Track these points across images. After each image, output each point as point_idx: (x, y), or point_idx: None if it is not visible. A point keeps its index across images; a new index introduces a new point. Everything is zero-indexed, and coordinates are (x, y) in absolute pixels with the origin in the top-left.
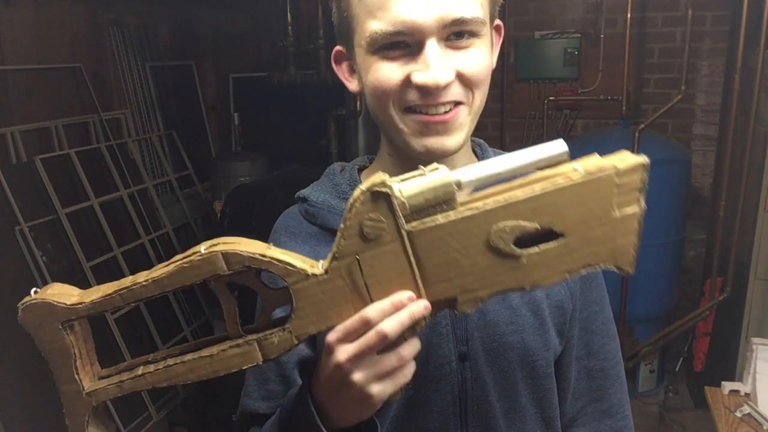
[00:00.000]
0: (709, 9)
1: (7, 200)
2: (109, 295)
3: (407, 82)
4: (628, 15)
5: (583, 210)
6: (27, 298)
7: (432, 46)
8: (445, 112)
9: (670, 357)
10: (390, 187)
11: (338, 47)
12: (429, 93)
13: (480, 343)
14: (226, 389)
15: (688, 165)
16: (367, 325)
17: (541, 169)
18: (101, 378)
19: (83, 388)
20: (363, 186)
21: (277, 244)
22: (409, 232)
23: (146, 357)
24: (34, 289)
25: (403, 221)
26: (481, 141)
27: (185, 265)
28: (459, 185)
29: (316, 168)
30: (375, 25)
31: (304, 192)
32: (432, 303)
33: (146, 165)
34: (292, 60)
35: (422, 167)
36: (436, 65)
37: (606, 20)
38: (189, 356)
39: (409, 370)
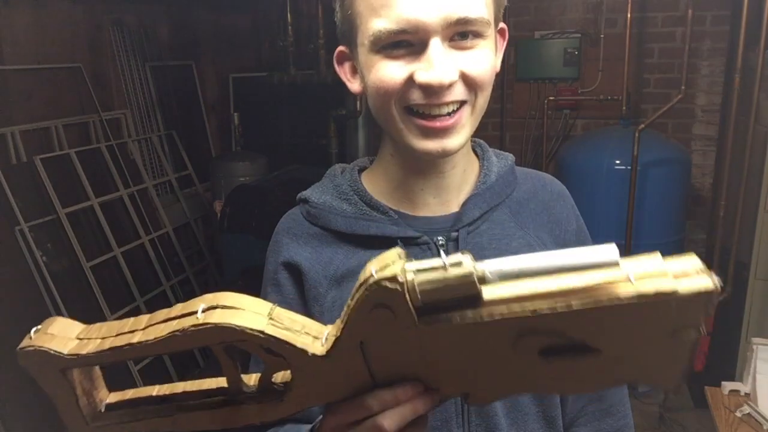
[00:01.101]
0: (709, 9)
1: (7, 200)
2: (104, 351)
3: (410, 81)
4: (628, 15)
5: (628, 332)
6: (25, 342)
7: (436, 45)
8: (448, 114)
9: None
10: (402, 284)
11: (341, 48)
12: (432, 92)
13: None
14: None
15: (688, 165)
16: (366, 412)
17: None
18: (108, 407)
19: (87, 423)
20: (373, 268)
21: (279, 246)
22: (419, 329)
23: (151, 390)
24: (35, 328)
25: (415, 318)
26: (482, 141)
27: (177, 333)
28: (483, 281)
29: (316, 168)
30: (379, 24)
31: (306, 193)
32: (441, 395)
33: (146, 165)
34: (292, 60)
35: (443, 254)
36: (439, 64)
37: (606, 20)
38: (195, 414)
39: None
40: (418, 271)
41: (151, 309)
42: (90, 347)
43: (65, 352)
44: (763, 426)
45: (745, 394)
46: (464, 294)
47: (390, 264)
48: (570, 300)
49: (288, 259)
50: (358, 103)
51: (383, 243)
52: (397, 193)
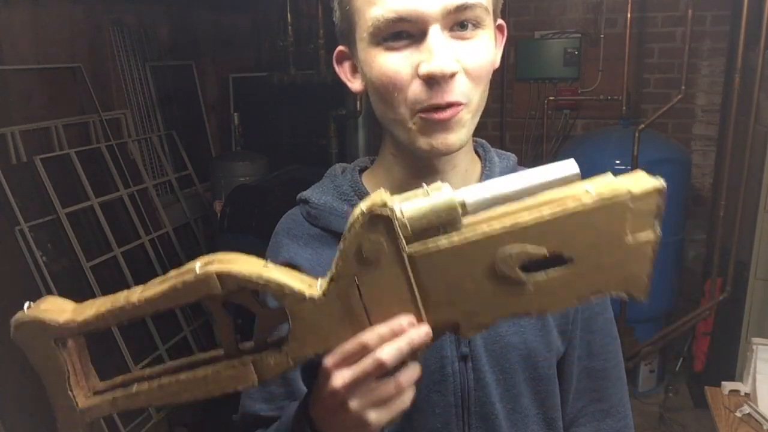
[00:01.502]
0: (709, 9)
1: (7, 200)
2: (102, 314)
3: (413, 75)
4: (628, 15)
5: (595, 235)
6: (19, 315)
7: (435, 33)
8: (449, 107)
9: (670, 357)
10: (391, 209)
11: (340, 47)
12: (435, 83)
13: (482, 343)
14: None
15: (688, 165)
16: (364, 350)
17: (551, 188)
18: (97, 393)
19: (77, 404)
20: (363, 206)
21: (279, 247)
22: (410, 255)
23: (142, 372)
24: (27, 303)
25: (404, 244)
26: (484, 142)
27: (178, 285)
28: (463, 206)
29: (316, 168)
30: (376, 12)
31: (306, 194)
32: (433, 328)
33: (146, 165)
34: (292, 60)
35: (425, 185)
36: (440, 53)
37: (606, 20)
38: (184, 375)
39: (408, 396)
40: (404, 199)
41: None
42: (87, 313)
43: (61, 320)
44: (763, 426)
45: (745, 394)
46: (447, 218)
47: (377, 199)
48: (541, 210)
49: (288, 260)
50: (358, 103)
51: None
52: (398, 192)
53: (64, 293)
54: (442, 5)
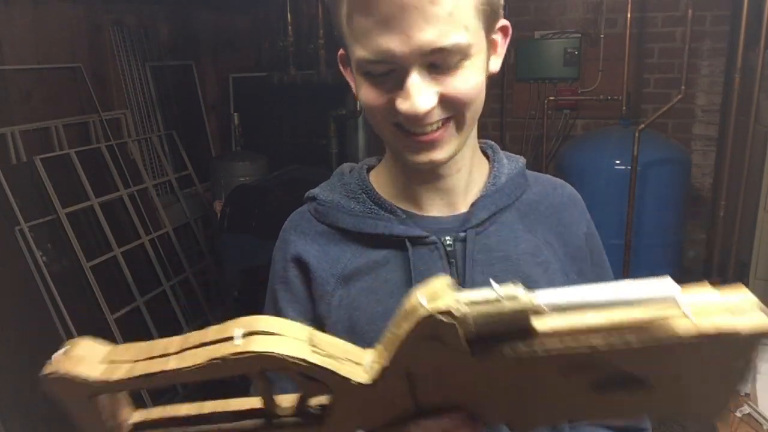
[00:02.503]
0: (709, 9)
1: (7, 200)
2: (134, 378)
3: (392, 103)
4: (628, 15)
5: (683, 368)
6: (49, 368)
7: (413, 76)
8: (432, 131)
9: None
10: (455, 316)
11: (342, 51)
12: (411, 119)
13: None
14: (226, 390)
15: (688, 165)
16: None
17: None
18: (136, 428)
19: None
20: (425, 301)
21: (287, 243)
22: (471, 361)
23: (180, 410)
24: (56, 353)
25: (467, 348)
26: (493, 143)
27: (217, 360)
28: (538, 312)
29: (316, 168)
30: (360, 52)
31: (314, 191)
32: (485, 423)
33: (146, 165)
34: (292, 60)
35: (493, 283)
36: (416, 95)
37: (606, 20)
38: (227, 426)
39: None
40: (472, 303)
41: (151, 309)
42: (121, 372)
43: (94, 378)
44: (763, 426)
45: (745, 394)
46: (518, 327)
47: (439, 295)
48: (626, 336)
49: (296, 255)
50: (358, 103)
51: (391, 242)
52: (403, 194)
53: (64, 293)
54: (418, 50)
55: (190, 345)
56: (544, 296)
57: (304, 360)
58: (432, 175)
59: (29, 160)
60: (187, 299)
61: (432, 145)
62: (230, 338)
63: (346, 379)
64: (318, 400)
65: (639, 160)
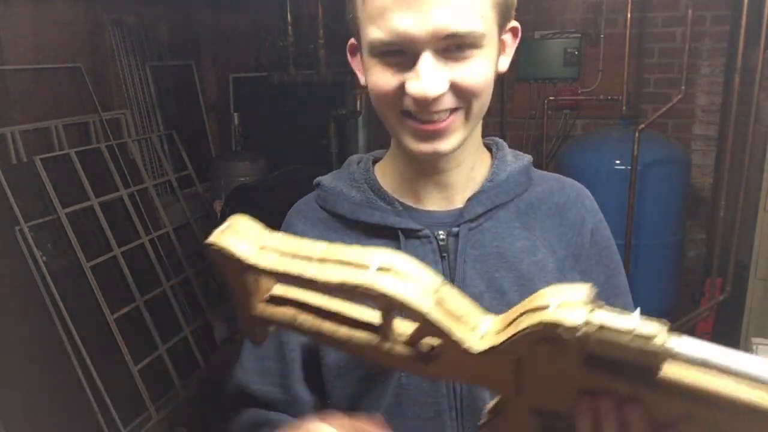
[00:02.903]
0: (709, 9)
1: (7, 200)
2: (279, 272)
3: (402, 88)
4: (628, 15)
5: None
6: (213, 238)
7: (425, 58)
8: (439, 120)
9: None
10: (582, 335)
11: (353, 40)
12: (421, 103)
13: None
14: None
15: (688, 165)
16: None
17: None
18: (272, 299)
19: (252, 311)
20: (556, 305)
21: (288, 225)
22: (582, 372)
23: (313, 300)
24: (224, 225)
25: (582, 365)
26: (500, 140)
27: (347, 285)
28: (668, 357)
29: (316, 168)
30: (374, 33)
31: (321, 178)
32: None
33: (146, 165)
34: (292, 60)
35: (637, 312)
36: (426, 78)
37: (606, 20)
38: (343, 331)
39: None
40: (602, 328)
41: (151, 309)
42: (268, 262)
43: (247, 261)
44: None
45: None
46: (644, 364)
47: (574, 305)
48: (752, 418)
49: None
50: (358, 103)
51: (386, 232)
52: (403, 186)
53: (64, 293)
54: (434, 33)
55: (332, 258)
56: (681, 343)
57: (422, 313)
58: (432, 169)
59: (29, 160)
60: (187, 299)
61: (437, 134)
62: (366, 267)
63: (457, 344)
64: (431, 341)
65: (639, 160)
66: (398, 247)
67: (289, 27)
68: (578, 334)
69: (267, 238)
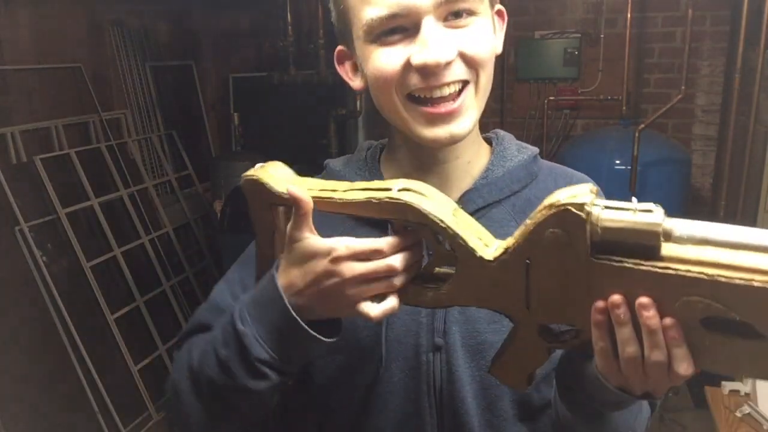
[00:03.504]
0: (709, 9)
1: (7, 200)
2: (312, 198)
3: (407, 66)
4: (628, 15)
5: None
6: (250, 171)
7: (429, 24)
8: (451, 98)
9: None
10: (588, 213)
11: (340, 47)
12: (430, 73)
13: (459, 337)
14: None
15: (688, 165)
16: (376, 254)
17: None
18: None
19: (276, 256)
20: (562, 197)
21: None
22: (589, 262)
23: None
24: (259, 164)
25: (588, 249)
26: (504, 134)
27: (373, 200)
28: (668, 236)
29: (316, 168)
30: (370, 12)
31: (330, 161)
32: (588, 330)
33: (146, 165)
34: (292, 60)
35: (634, 199)
36: (434, 43)
37: (606, 20)
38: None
39: (397, 279)
40: (606, 207)
41: (152, 309)
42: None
43: (276, 189)
44: (763, 426)
45: (745, 394)
46: (645, 242)
47: (578, 195)
48: (754, 277)
49: None
50: (358, 103)
51: (378, 223)
52: (402, 177)
53: (64, 293)
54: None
55: (356, 187)
56: (679, 222)
57: (442, 221)
58: (433, 161)
59: (29, 160)
60: (187, 299)
61: (451, 116)
62: (389, 189)
63: (473, 251)
64: (442, 270)
65: (639, 160)
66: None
67: (289, 27)
68: (586, 209)
69: (297, 179)
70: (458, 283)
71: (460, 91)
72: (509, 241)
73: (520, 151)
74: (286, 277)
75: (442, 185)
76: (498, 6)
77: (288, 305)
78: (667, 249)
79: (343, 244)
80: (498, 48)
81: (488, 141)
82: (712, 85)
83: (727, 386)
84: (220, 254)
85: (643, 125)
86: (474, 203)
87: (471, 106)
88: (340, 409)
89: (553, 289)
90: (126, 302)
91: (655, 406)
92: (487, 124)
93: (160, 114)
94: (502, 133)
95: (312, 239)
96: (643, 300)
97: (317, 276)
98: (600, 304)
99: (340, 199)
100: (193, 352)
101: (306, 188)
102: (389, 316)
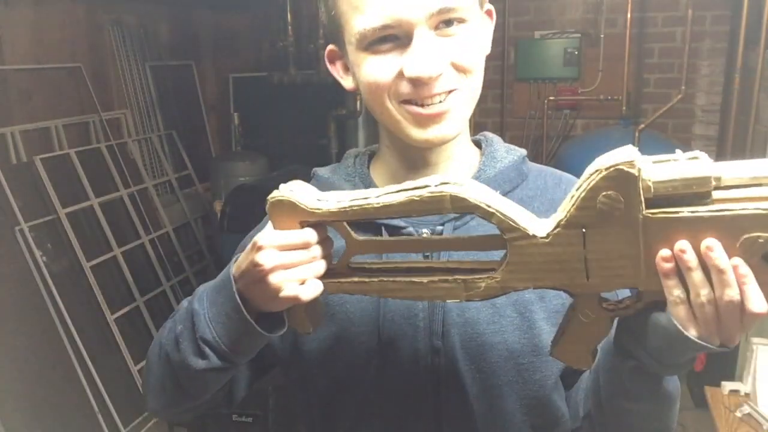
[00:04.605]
0: (709, 9)
1: (7, 200)
2: (344, 209)
3: (400, 75)
4: (628, 15)
5: None
6: (276, 192)
7: (420, 37)
8: (440, 102)
9: None
10: (639, 169)
11: (331, 47)
12: (421, 84)
13: (458, 339)
14: None
15: None
16: (304, 247)
17: None
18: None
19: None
20: (609, 160)
21: None
22: (646, 218)
23: (364, 264)
24: (283, 185)
25: (643, 206)
26: (492, 136)
27: (415, 197)
28: (718, 180)
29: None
30: (363, 22)
31: (317, 168)
32: (647, 292)
33: (146, 165)
34: (292, 60)
35: (678, 151)
36: (425, 57)
37: (606, 20)
38: (401, 278)
39: (318, 265)
40: (655, 162)
41: (151, 309)
42: (331, 205)
43: (309, 206)
44: (763, 426)
45: (745, 394)
46: (697, 188)
47: (626, 154)
48: None
49: None
50: (358, 103)
51: (371, 227)
52: (393, 182)
53: (64, 293)
54: (426, 11)
55: (388, 191)
56: (724, 165)
57: (489, 205)
58: (423, 163)
59: (29, 160)
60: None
61: (440, 118)
62: (427, 186)
63: (525, 230)
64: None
65: None
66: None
67: (289, 27)
68: (637, 166)
69: (323, 194)
70: (512, 266)
71: (450, 91)
72: (560, 215)
73: (509, 152)
74: (238, 265)
75: None
76: (487, 6)
77: (235, 291)
78: (719, 193)
79: (266, 235)
80: (487, 48)
81: (476, 143)
82: (712, 85)
83: (727, 386)
84: (220, 254)
85: (643, 125)
86: None
87: (460, 108)
88: (340, 413)
89: (612, 255)
90: (126, 302)
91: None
92: (487, 124)
93: (160, 114)
94: (490, 135)
95: (260, 233)
96: (709, 242)
97: (246, 265)
98: (666, 252)
99: (377, 204)
100: (167, 325)
101: (336, 200)
102: (385, 320)
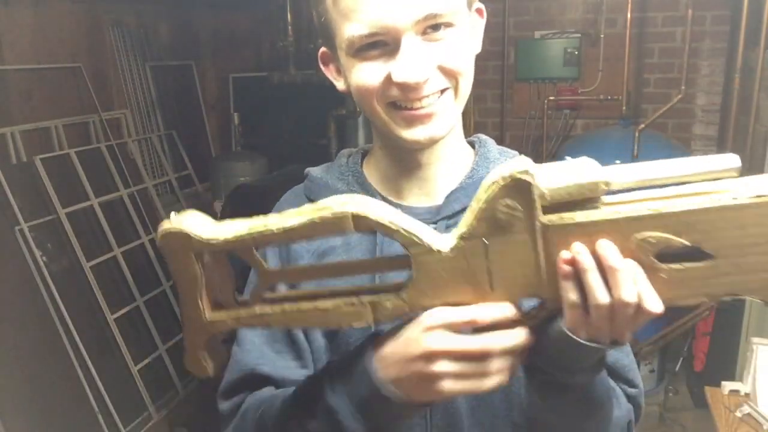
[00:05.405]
0: (709, 9)
1: (7, 200)
2: (242, 236)
3: (388, 80)
4: (628, 15)
5: (742, 234)
6: (166, 225)
7: (408, 44)
8: (429, 104)
9: (669, 357)
10: (532, 176)
11: (324, 49)
12: (410, 89)
13: None
14: None
15: None
16: (472, 325)
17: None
18: (222, 309)
19: (204, 316)
20: (505, 170)
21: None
22: (543, 225)
23: (263, 294)
24: (173, 213)
25: (540, 213)
26: (485, 138)
27: (315, 220)
28: (608, 185)
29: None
30: (351, 29)
31: (310, 169)
32: (550, 300)
33: (146, 165)
34: (292, 60)
35: (569, 158)
36: (412, 63)
37: (606, 20)
38: (305, 305)
39: (491, 381)
40: (547, 169)
41: (151, 309)
42: (228, 233)
43: (204, 235)
44: (763, 426)
45: (745, 394)
46: (589, 194)
47: (520, 165)
48: (691, 200)
49: None
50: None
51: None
52: (386, 181)
53: (64, 293)
54: (413, 18)
55: (288, 216)
56: (613, 170)
57: (390, 222)
58: (414, 163)
59: (29, 160)
60: None
61: (428, 119)
62: (329, 207)
63: (429, 246)
64: (390, 284)
65: (639, 160)
66: (375, 241)
67: (289, 27)
68: (532, 173)
69: (220, 225)
70: (418, 283)
71: (441, 92)
72: (461, 228)
73: (502, 153)
74: (393, 376)
75: (426, 186)
76: (477, 5)
77: (378, 386)
78: (610, 197)
79: (437, 314)
80: (477, 48)
81: (470, 144)
82: (712, 85)
83: (727, 386)
84: None
85: (643, 125)
86: (460, 202)
87: (449, 109)
88: None
89: (513, 265)
90: (126, 302)
91: (640, 408)
92: (487, 124)
93: (160, 114)
94: (483, 137)
95: (430, 338)
96: (602, 243)
97: (403, 351)
98: (566, 254)
99: (277, 230)
100: (265, 420)
101: (233, 231)
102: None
